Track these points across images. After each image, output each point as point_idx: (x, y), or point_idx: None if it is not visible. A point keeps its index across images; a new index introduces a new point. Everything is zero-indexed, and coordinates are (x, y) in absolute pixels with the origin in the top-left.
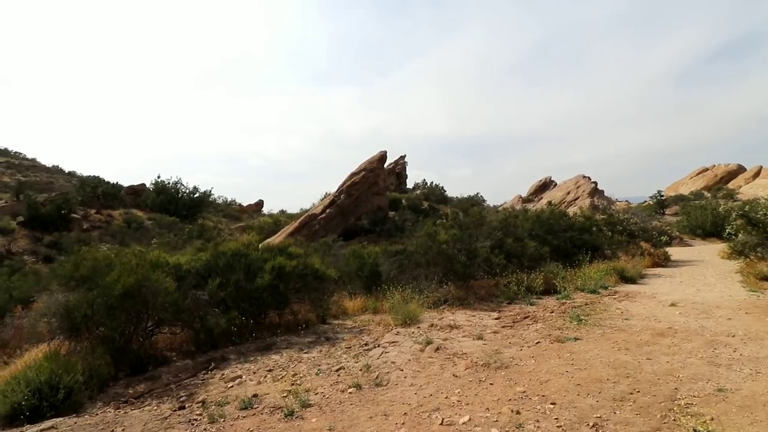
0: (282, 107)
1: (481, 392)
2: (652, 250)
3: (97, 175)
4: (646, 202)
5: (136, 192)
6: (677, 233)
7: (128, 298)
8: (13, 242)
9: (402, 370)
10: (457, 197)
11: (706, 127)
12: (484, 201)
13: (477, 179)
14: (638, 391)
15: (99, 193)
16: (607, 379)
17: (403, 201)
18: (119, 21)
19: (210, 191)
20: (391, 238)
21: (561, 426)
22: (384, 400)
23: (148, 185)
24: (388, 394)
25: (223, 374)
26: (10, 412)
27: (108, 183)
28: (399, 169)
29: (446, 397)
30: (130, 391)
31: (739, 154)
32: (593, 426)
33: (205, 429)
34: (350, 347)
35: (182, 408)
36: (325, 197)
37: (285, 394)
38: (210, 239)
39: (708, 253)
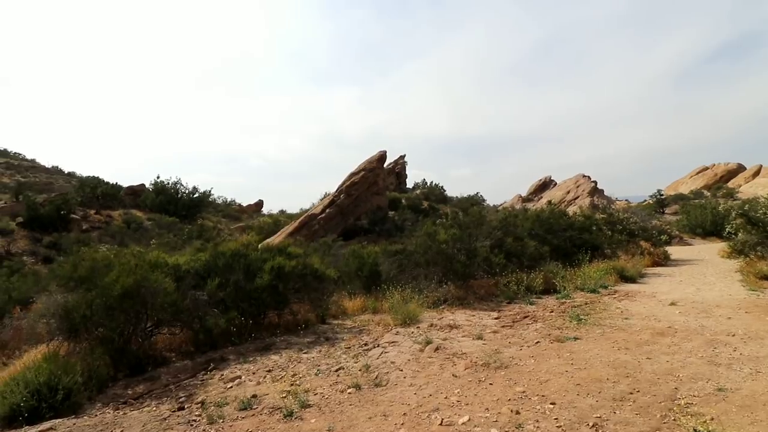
0: (282, 107)
1: (481, 392)
2: (651, 249)
3: (96, 175)
4: (645, 201)
5: (136, 192)
6: (677, 232)
7: (127, 298)
8: (13, 243)
9: (401, 370)
10: (456, 197)
11: (706, 127)
12: (483, 200)
13: (477, 179)
14: (638, 391)
15: (98, 193)
16: (607, 379)
17: (403, 201)
18: (119, 21)
19: (210, 191)
20: (391, 237)
21: (561, 426)
22: (383, 401)
23: (147, 185)
24: (388, 394)
25: (223, 375)
26: (9, 414)
27: (107, 183)
28: (399, 169)
29: (446, 397)
30: (129, 392)
31: (739, 153)
32: (593, 426)
33: (204, 430)
34: (350, 347)
35: (181, 409)
36: (324, 197)
37: (284, 395)
38: (209, 239)
39: (708, 252)
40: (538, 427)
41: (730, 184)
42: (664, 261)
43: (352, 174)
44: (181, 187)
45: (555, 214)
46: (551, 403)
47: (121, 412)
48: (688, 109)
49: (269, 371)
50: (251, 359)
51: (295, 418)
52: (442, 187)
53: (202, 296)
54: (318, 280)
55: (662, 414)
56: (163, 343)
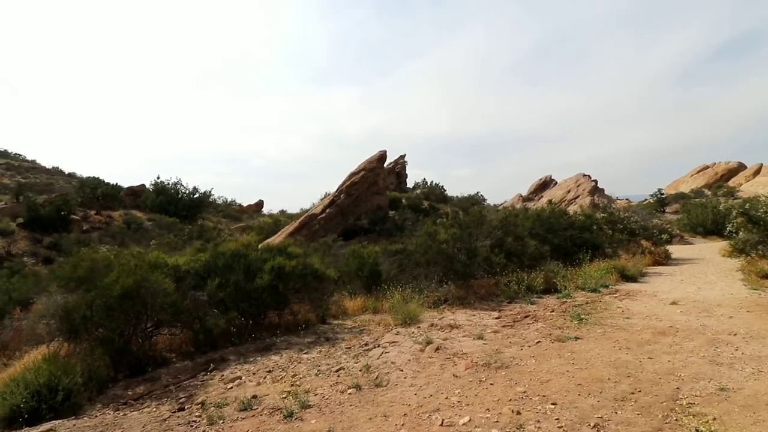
0: (282, 107)
1: (482, 392)
2: (652, 248)
3: (96, 176)
4: (646, 200)
5: (136, 193)
6: (678, 231)
7: (127, 299)
8: (13, 244)
9: (402, 371)
10: (457, 196)
11: (706, 126)
12: (484, 200)
13: (477, 179)
14: (640, 391)
15: (99, 194)
16: (608, 379)
17: (403, 200)
18: (119, 22)
19: (210, 191)
20: (391, 237)
21: (562, 426)
22: (384, 401)
23: (147, 186)
24: (388, 394)
25: (223, 375)
26: (9, 415)
27: (108, 184)
28: (399, 169)
29: (446, 398)
30: (130, 393)
31: (739, 152)
32: (594, 426)
33: (204, 431)
34: (350, 347)
35: (181, 409)
36: (324, 197)
37: (284, 395)
38: (210, 240)
39: (709, 251)
40: (539, 427)
41: (731, 183)
42: (665, 260)
43: (353, 174)
44: (182, 188)
45: (555, 213)
46: (552, 404)
47: (121, 413)
48: (689, 108)
49: (269, 371)
50: (251, 359)
51: (295, 419)
52: (442, 186)
53: (202, 296)
54: (318, 280)
55: (664, 414)
56: (163, 344)
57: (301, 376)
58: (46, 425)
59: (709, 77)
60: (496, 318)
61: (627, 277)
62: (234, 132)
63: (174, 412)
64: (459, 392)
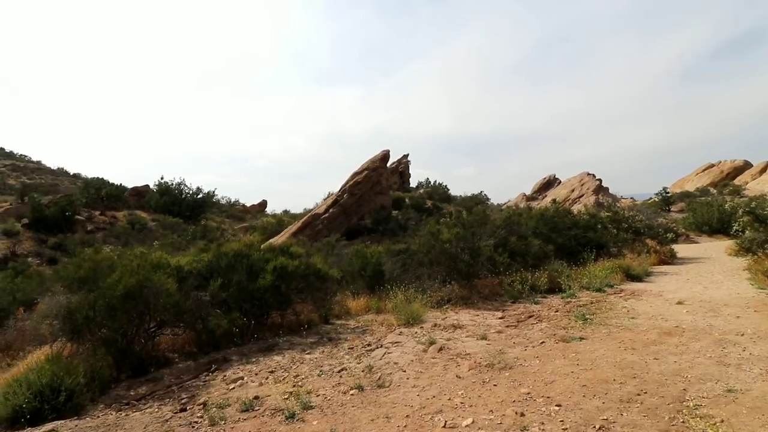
0: (286, 107)
1: (485, 394)
2: (657, 247)
3: (101, 176)
4: (651, 199)
5: (140, 193)
6: (683, 230)
7: (130, 299)
8: (18, 244)
9: (405, 371)
10: (460, 196)
11: (708, 124)
12: (487, 199)
13: (480, 178)
14: (645, 392)
15: (103, 194)
16: (614, 380)
17: (407, 200)
18: (124, 22)
19: (213, 192)
20: (395, 237)
21: (566, 428)
22: (386, 402)
23: (151, 186)
24: (391, 395)
25: (225, 376)
26: (11, 415)
27: (112, 184)
28: (402, 168)
29: (449, 399)
30: (132, 393)
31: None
32: (600, 428)
33: (205, 431)
34: (353, 348)
35: (183, 410)
36: (328, 197)
37: (286, 396)
38: (213, 240)
39: (715, 250)
40: (543, 429)
41: (737, 181)
42: (671, 259)
43: (356, 173)
44: (185, 188)
45: (559, 212)
46: (557, 405)
47: (124, 414)
48: (691, 106)
49: (272, 372)
50: (254, 360)
51: (297, 420)
52: (445, 186)
53: (205, 297)
54: (321, 280)
55: (671, 416)
56: (165, 344)
57: (303, 376)
58: (49, 425)
59: (712, 75)
60: (500, 318)
61: (632, 277)
62: (238, 132)
63: (176, 412)
64: (462, 393)
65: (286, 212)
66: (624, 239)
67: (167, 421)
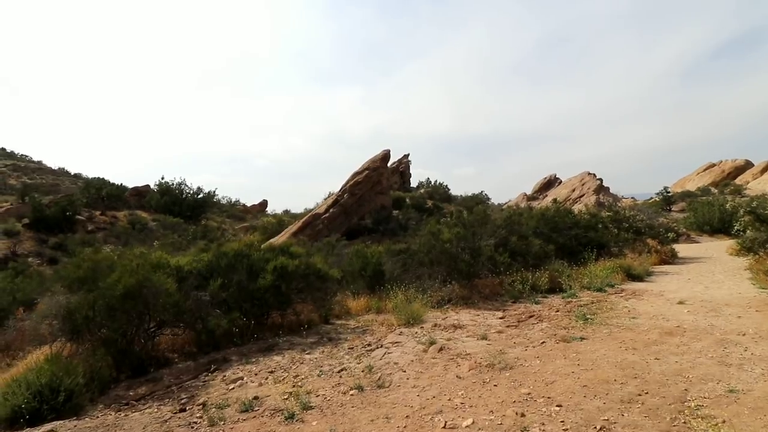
0: (286, 107)
1: (485, 394)
2: (658, 247)
3: (102, 176)
4: (652, 198)
5: (141, 193)
6: (684, 230)
7: (129, 299)
8: (19, 244)
9: (405, 371)
10: (461, 196)
11: (708, 124)
12: (488, 199)
13: (481, 178)
14: (647, 393)
15: (104, 194)
16: (615, 380)
17: (407, 200)
18: (124, 22)
19: (214, 192)
20: (395, 237)
21: (567, 429)
22: (386, 402)
23: (152, 186)
24: (390, 396)
25: (225, 376)
26: (10, 415)
27: (112, 184)
28: (402, 168)
29: (449, 399)
30: (131, 393)
31: (745, 149)
32: (600, 429)
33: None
34: (353, 348)
35: (183, 410)
36: (328, 197)
37: (286, 396)
38: (214, 240)
39: (716, 249)
40: (544, 430)
41: (738, 181)
42: (672, 259)
43: (356, 173)
44: (186, 188)
45: (560, 212)
46: (557, 406)
47: (123, 414)
48: (691, 106)
49: (271, 372)
50: (254, 360)
51: (297, 421)
52: (446, 186)
53: (205, 297)
54: (321, 279)
55: (672, 416)
56: (165, 344)
57: (303, 376)
58: (48, 426)
59: (713, 75)
60: (501, 318)
61: (633, 277)
62: (238, 132)
63: (175, 412)
64: (462, 394)
65: (286, 212)
66: (625, 239)
67: (166, 421)
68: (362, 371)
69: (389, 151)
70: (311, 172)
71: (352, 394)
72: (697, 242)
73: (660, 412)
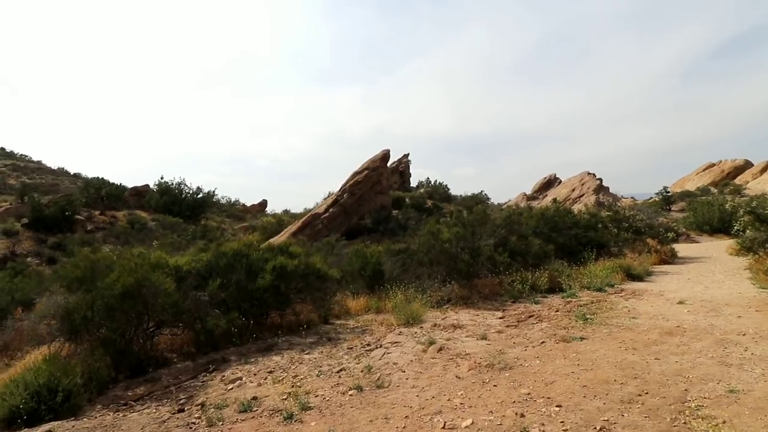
0: (286, 107)
1: (485, 394)
2: (658, 246)
3: (101, 176)
4: (651, 198)
5: (140, 193)
6: (684, 230)
7: (128, 298)
8: (18, 244)
9: (404, 372)
10: (461, 195)
11: (708, 124)
12: (488, 199)
13: (481, 178)
14: (647, 393)
15: (103, 194)
16: (615, 380)
17: (407, 200)
18: (124, 23)
19: (214, 192)
20: (395, 237)
21: (567, 429)
22: (385, 403)
23: (151, 186)
24: (390, 396)
25: (224, 376)
26: (8, 416)
27: (112, 184)
28: (402, 168)
29: (449, 400)
30: (130, 394)
31: (745, 149)
32: (600, 429)
33: None
34: (352, 348)
35: (181, 411)
36: (328, 197)
37: (285, 397)
38: (213, 239)
39: (715, 249)
40: (543, 430)
41: (738, 181)
42: (672, 259)
43: (356, 173)
44: (185, 188)
45: (560, 212)
46: (557, 406)
47: (121, 414)
48: (691, 106)
49: (270, 372)
50: (253, 360)
51: (295, 421)
52: (446, 185)
53: (204, 297)
54: (321, 279)
55: (672, 417)
56: (164, 344)
57: (302, 377)
58: (45, 426)
59: (713, 75)
60: (500, 318)
61: (633, 276)
62: (238, 132)
63: (174, 413)
64: (462, 394)
65: (286, 212)
66: (625, 239)
67: (165, 422)
68: (361, 371)
69: (389, 150)
70: (311, 172)
71: (351, 395)
72: (697, 242)
73: (660, 413)
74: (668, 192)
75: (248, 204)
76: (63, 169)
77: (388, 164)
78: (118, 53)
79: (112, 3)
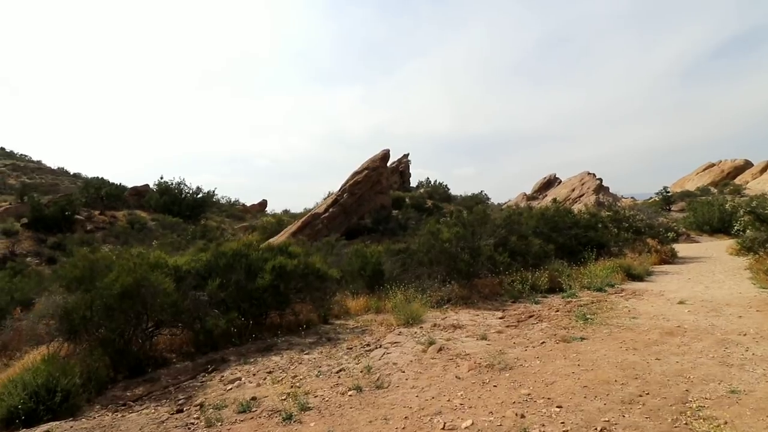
0: (286, 107)
1: (485, 395)
2: (658, 246)
3: (101, 176)
4: (651, 198)
5: (140, 193)
6: (684, 230)
7: (127, 298)
8: (17, 244)
9: (404, 372)
10: (461, 195)
11: (708, 124)
12: (488, 199)
13: (481, 178)
14: (647, 393)
15: (103, 194)
16: (615, 381)
17: (407, 200)
18: (124, 23)
19: (213, 191)
20: (395, 236)
21: (567, 430)
22: (384, 403)
23: (151, 186)
24: (389, 396)
25: (223, 376)
26: (6, 416)
27: (112, 184)
28: (402, 168)
29: (448, 400)
30: (129, 394)
31: (745, 149)
32: (601, 430)
33: None
34: (352, 348)
35: (180, 411)
36: (328, 196)
37: (284, 397)
38: (213, 239)
39: (715, 249)
40: (544, 431)
41: (737, 181)
42: (672, 259)
43: (356, 173)
44: (185, 188)
45: (560, 211)
46: (557, 406)
47: (120, 415)
48: (691, 106)
49: (270, 372)
50: (252, 360)
51: (294, 422)
52: (445, 185)
53: (203, 297)
54: (320, 279)
55: (673, 418)
56: (163, 344)
57: (301, 377)
58: (44, 426)
59: (713, 75)
60: (500, 318)
61: (633, 276)
62: (238, 132)
63: (172, 413)
64: (461, 394)
65: (286, 212)
66: (625, 239)
67: (163, 422)
68: (361, 372)
69: (389, 150)
70: (311, 172)
71: (350, 395)
72: (697, 242)
73: (661, 413)
74: (668, 192)
75: (248, 204)
76: (63, 169)
77: (388, 164)
78: (118, 53)
79: (113, 3)
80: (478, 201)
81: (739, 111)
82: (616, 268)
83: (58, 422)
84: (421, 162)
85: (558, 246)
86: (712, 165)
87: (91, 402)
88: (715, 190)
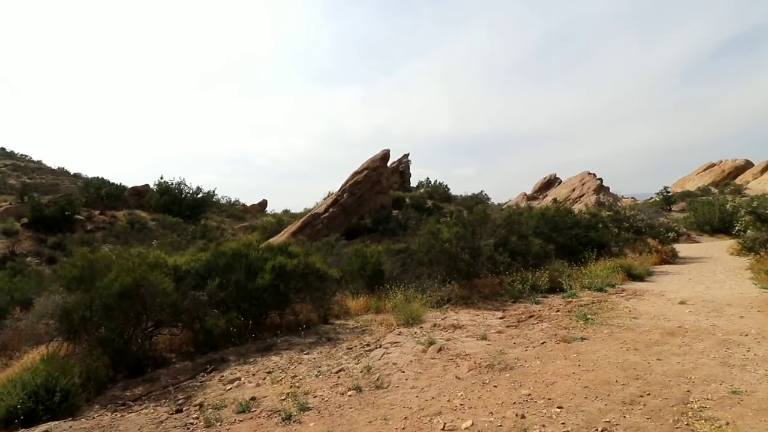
0: (286, 107)
1: (485, 395)
2: (659, 246)
3: (101, 176)
4: (652, 198)
5: (140, 193)
6: (684, 230)
7: (126, 298)
8: (17, 244)
9: (403, 372)
10: (461, 195)
11: (708, 124)
12: (488, 199)
13: (481, 177)
14: (649, 394)
15: (103, 194)
16: (616, 381)
17: (407, 199)
18: (124, 23)
19: (214, 191)
20: (395, 236)
21: (568, 431)
22: (384, 404)
23: (151, 186)
24: (389, 396)
25: (222, 376)
26: (5, 416)
27: (112, 184)
28: (402, 168)
29: (448, 401)
30: (128, 394)
31: (746, 149)
32: (602, 431)
33: None
34: (351, 348)
35: (179, 411)
36: (328, 196)
37: (283, 397)
38: (213, 239)
39: (716, 249)
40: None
41: (738, 181)
42: (672, 259)
43: (356, 173)
44: (185, 188)
45: (560, 211)
46: (558, 407)
47: (119, 415)
48: (692, 106)
49: (269, 372)
50: (251, 360)
51: (294, 422)
52: (446, 185)
53: (203, 296)
54: (320, 279)
55: (675, 418)
56: (163, 344)
57: (301, 377)
58: (43, 426)
59: (713, 75)
60: (500, 318)
61: (634, 276)
62: (239, 132)
63: (171, 413)
64: (462, 395)
65: (286, 212)
66: (625, 239)
67: (162, 422)
68: (361, 372)
69: (389, 150)
70: (311, 172)
71: (350, 395)
72: (698, 242)
73: (662, 414)
74: (669, 192)
75: (248, 204)
76: (63, 168)
77: (388, 164)
78: (119, 53)
79: (113, 3)
80: (479, 201)
81: (740, 111)
82: (616, 268)
83: (57, 422)
84: (421, 162)
85: (558, 246)
86: (713, 165)
87: (91, 402)
88: (716, 190)
